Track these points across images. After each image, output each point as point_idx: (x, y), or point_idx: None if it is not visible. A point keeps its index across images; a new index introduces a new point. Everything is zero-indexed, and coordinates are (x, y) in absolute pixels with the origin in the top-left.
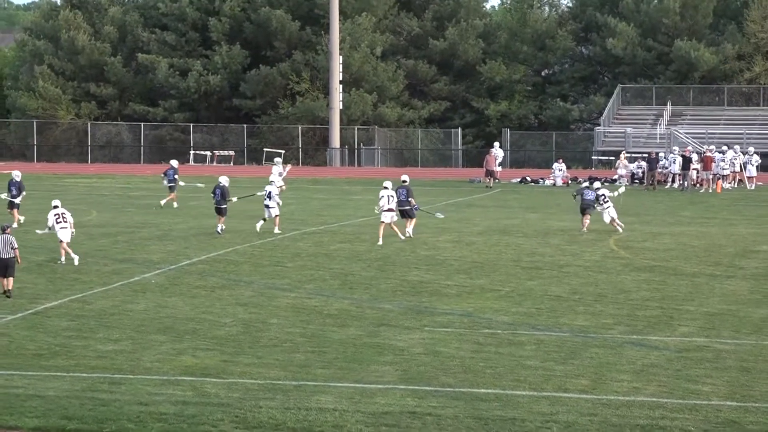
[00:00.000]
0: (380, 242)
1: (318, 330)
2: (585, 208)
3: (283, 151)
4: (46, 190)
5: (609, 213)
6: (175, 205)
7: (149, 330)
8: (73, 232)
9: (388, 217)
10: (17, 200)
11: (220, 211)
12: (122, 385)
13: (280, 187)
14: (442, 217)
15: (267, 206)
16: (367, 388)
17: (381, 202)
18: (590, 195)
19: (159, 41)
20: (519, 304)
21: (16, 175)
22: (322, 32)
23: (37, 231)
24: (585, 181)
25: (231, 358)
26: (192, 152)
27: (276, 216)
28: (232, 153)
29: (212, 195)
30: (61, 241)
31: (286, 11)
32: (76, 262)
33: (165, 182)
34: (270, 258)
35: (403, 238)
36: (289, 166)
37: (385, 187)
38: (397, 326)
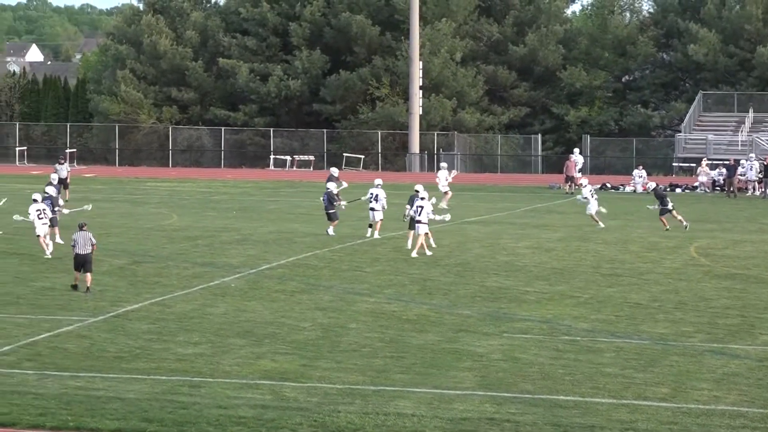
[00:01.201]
0: (417, 253)
1: (397, 335)
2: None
3: (445, 164)
4: (128, 194)
5: (593, 207)
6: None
7: (229, 334)
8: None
9: (422, 230)
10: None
11: (330, 217)
12: (202, 389)
13: (445, 193)
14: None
15: (373, 209)
16: (446, 394)
17: (408, 211)
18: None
19: (240, 46)
20: (598, 311)
21: (50, 190)
22: (402, 37)
23: (15, 217)
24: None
25: (310, 362)
26: (272, 157)
27: (379, 220)
28: (312, 158)
29: (321, 200)
30: (38, 236)
31: (366, 16)
32: (48, 254)
33: None
34: (349, 263)
35: (429, 252)
36: (454, 172)
37: (422, 198)
38: (475, 332)
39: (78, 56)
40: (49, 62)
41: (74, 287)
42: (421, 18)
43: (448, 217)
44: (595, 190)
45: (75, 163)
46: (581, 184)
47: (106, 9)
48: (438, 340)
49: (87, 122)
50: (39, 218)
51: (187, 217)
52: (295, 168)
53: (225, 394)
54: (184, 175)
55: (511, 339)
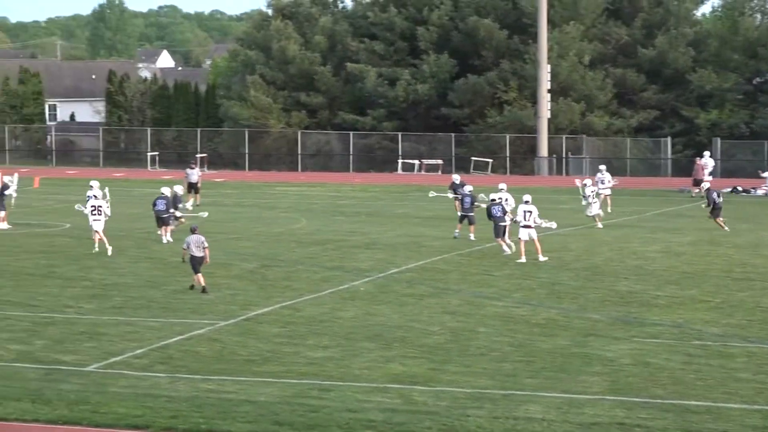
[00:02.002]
0: (522, 259)
1: (526, 339)
2: None
3: (604, 166)
4: (257, 198)
5: (594, 209)
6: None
7: (358, 337)
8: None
9: (525, 234)
10: (166, 215)
11: (470, 220)
12: (331, 392)
13: (600, 195)
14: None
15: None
16: (576, 399)
17: (516, 218)
18: None
19: (368, 50)
20: (730, 315)
21: (165, 190)
22: (530, 41)
23: (76, 206)
24: None
25: (439, 366)
26: (400, 161)
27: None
28: (440, 162)
29: (461, 203)
30: (95, 231)
31: (493, 20)
32: (110, 253)
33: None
34: (477, 267)
35: (542, 258)
36: (615, 180)
37: (526, 201)
38: (605, 336)
39: (208, 62)
40: (179, 68)
41: (192, 287)
42: (549, 21)
43: (554, 225)
44: (594, 192)
45: (206, 168)
46: (585, 184)
47: (236, 15)
48: (567, 344)
49: (217, 127)
50: (92, 214)
51: (316, 221)
52: (423, 172)
53: (354, 397)
54: (313, 180)
55: (641, 343)
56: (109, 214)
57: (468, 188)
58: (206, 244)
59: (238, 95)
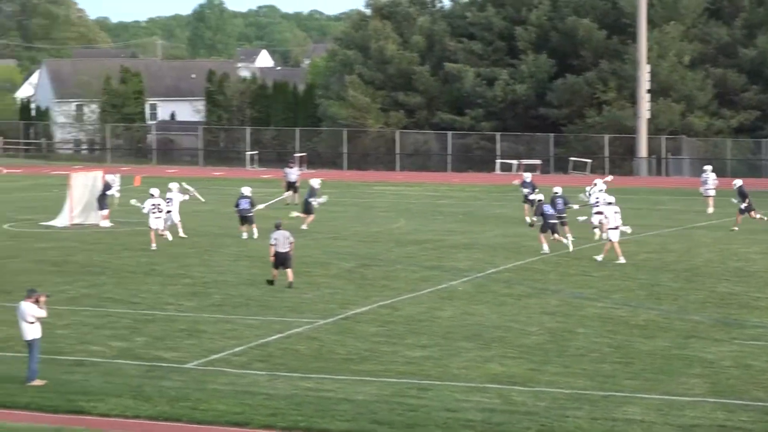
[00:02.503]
0: (621, 260)
1: (625, 340)
2: None
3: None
4: (356, 198)
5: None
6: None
7: (456, 337)
8: (166, 220)
9: (616, 235)
10: (250, 213)
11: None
12: (430, 391)
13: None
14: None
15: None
16: (676, 401)
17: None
18: None
19: (466, 50)
20: None
21: (246, 190)
22: (629, 41)
23: (132, 201)
24: None
25: (538, 366)
26: (498, 161)
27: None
28: (538, 162)
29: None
30: (151, 229)
31: (592, 20)
32: (154, 247)
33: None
34: (576, 267)
35: (623, 260)
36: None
37: (609, 203)
38: (706, 338)
39: (307, 61)
40: (278, 67)
41: (270, 282)
42: (649, 21)
43: (629, 229)
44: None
45: (305, 167)
46: (594, 183)
47: (334, 15)
48: (667, 345)
49: (315, 127)
50: (152, 213)
51: (415, 221)
52: (521, 172)
53: (453, 397)
54: (411, 179)
55: (742, 346)
56: (167, 209)
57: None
58: (292, 239)
59: (337, 95)
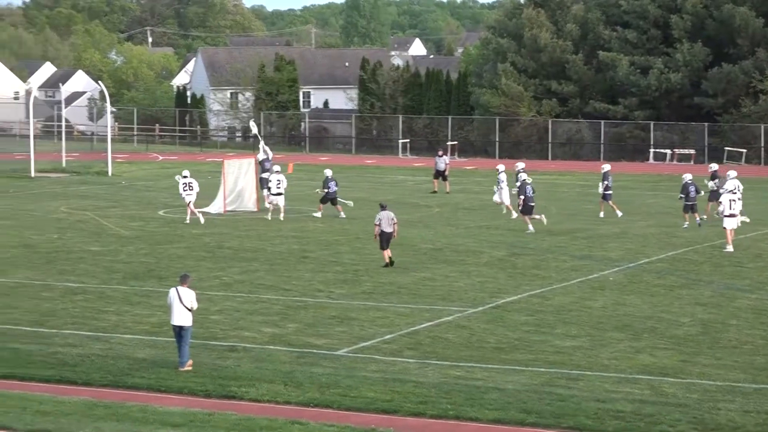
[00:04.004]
0: (730, 248)
1: None
2: None
3: None
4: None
5: (505, 195)
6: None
7: (607, 327)
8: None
9: (733, 223)
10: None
11: (693, 208)
12: (579, 381)
13: None
14: None
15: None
16: None
17: (720, 207)
18: None
19: (620, 39)
20: None
21: (328, 172)
22: None
23: (176, 177)
24: None
25: (689, 358)
26: (652, 150)
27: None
28: (692, 152)
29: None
30: (188, 203)
31: (749, 8)
32: (202, 221)
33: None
34: (729, 258)
35: (731, 248)
36: None
37: (730, 190)
38: None
39: (460, 50)
40: (431, 56)
41: (387, 265)
42: None
43: (747, 218)
44: (505, 180)
45: (456, 156)
46: (497, 170)
47: (488, 3)
48: None
49: (468, 115)
50: (184, 191)
51: (566, 210)
52: (675, 162)
53: (603, 387)
54: (563, 168)
55: None
56: (198, 189)
57: (688, 177)
58: (395, 220)
59: (490, 83)
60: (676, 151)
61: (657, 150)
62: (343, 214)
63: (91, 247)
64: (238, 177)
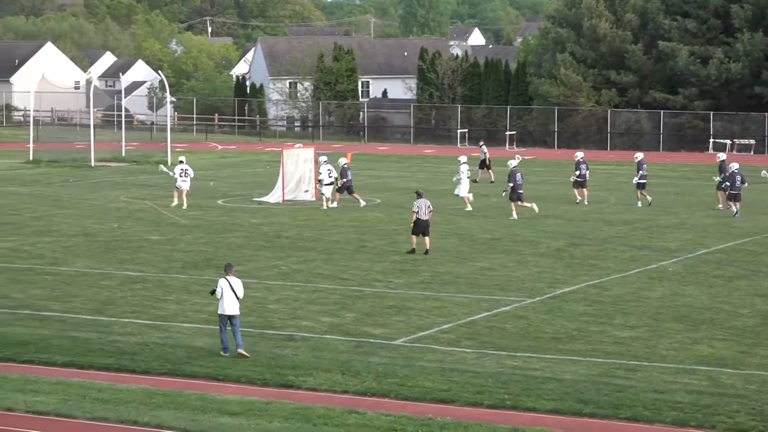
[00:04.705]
0: None
1: None
2: None
3: None
4: (566, 177)
5: (464, 188)
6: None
7: (665, 318)
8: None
9: None
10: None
11: (736, 197)
12: (637, 372)
13: None
14: None
15: None
16: None
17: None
18: None
19: (680, 28)
20: None
21: (343, 161)
22: None
23: (160, 167)
24: None
25: (748, 349)
26: (711, 140)
27: None
28: (752, 142)
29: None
30: (178, 188)
31: None
32: (185, 206)
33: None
34: None
35: None
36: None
37: None
38: None
39: (519, 39)
40: (490, 46)
41: (412, 251)
42: None
43: None
44: (467, 170)
45: (514, 146)
46: (459, 161)
47: None
48: None
49: (526, 105)
50: (180, 176)
51: (625, 200)
52: (735, 152)
53: (661, 378)
54: (622, 159)
55: None
56: (193, 175)
57: (735, 166)
58: (432, 208)
59: (548, 73)
60: (736, 141)
61: (716, 140)
62: (362, 202)
63: (150, 236)
64: (296, 167)
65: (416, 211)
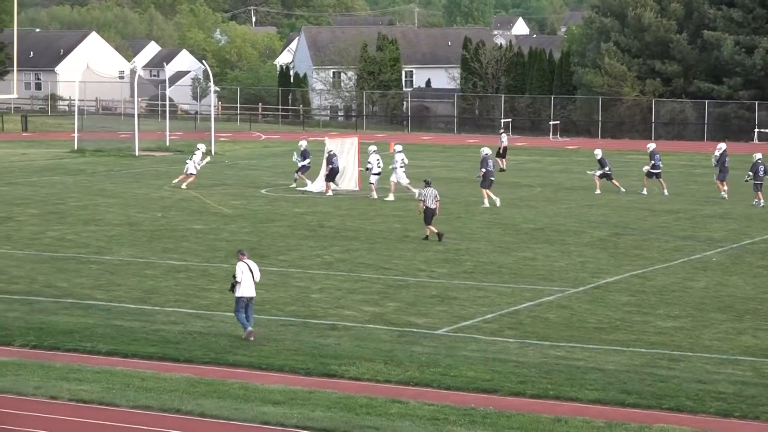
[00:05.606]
0: None
1: None
2: None
3: None
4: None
5: (402, 177)
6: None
7: (709, 308)
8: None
9: None
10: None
11: (758, 187)
12: (681, 362)
13: None
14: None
15: None
16: None
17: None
18: None
19: (725, 18)
20: None
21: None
22: None
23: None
24: None
25: None
26: (756, 131)
27: None
28: None
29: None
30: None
31: None
32: (184, 186)
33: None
34: None
35: None
36: None
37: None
38: None
39: (563, 29)
40: (534, 35)
41: (426, 238)
42: None
43: None
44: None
45: (558, 135)
46: (394, 150)
47: None
48: None
49: (570, 95)
50: (199, 162)
51: (670, 190)
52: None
53: (704, 368)
54: (667, 149)
55: None
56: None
57: (758, 155)
58: (438, 197)
59: (593, 62)
60: None
61: (762, 130)
62: (329, 190)
63: (194, 225)
64: (341, 156)
65: (423, 199)
